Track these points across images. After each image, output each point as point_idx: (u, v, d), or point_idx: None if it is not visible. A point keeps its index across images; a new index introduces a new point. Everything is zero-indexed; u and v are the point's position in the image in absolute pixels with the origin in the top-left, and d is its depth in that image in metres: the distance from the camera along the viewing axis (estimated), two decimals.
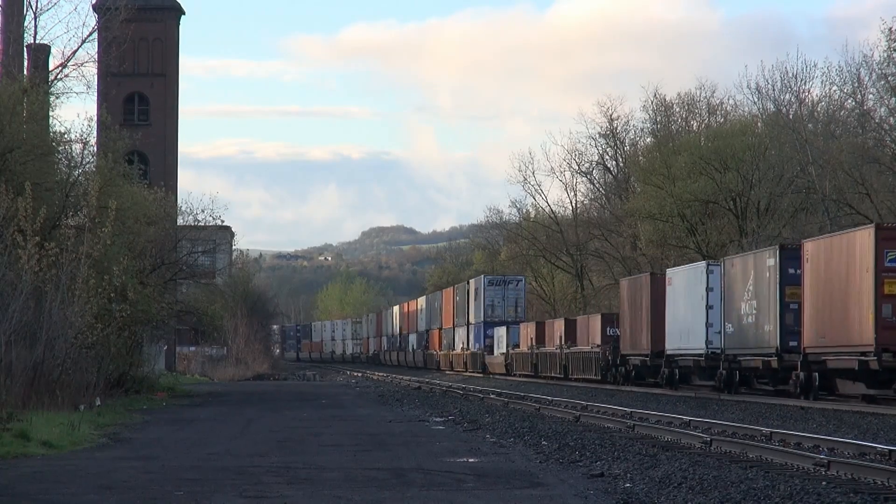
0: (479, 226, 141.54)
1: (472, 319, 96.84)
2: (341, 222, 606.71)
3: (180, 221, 69.84)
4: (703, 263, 54.36)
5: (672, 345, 55.54)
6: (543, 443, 27.19)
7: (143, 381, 56.08)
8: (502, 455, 24.80)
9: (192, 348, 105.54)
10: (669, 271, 58.08)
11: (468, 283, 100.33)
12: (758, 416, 36.94)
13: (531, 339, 79.36)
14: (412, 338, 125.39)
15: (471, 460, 23.75)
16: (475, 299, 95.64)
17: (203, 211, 68.43)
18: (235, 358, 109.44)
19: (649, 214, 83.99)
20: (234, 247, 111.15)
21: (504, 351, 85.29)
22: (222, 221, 72.97)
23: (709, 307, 51.59)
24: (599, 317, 69.27)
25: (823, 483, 19.10)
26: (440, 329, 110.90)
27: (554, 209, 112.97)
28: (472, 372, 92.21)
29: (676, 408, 42.37)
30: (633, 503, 17.71)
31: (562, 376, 70.57)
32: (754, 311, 46.84)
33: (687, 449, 25.24)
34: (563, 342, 72.12)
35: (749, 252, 53.16)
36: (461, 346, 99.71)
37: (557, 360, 71.94)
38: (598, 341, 66.78)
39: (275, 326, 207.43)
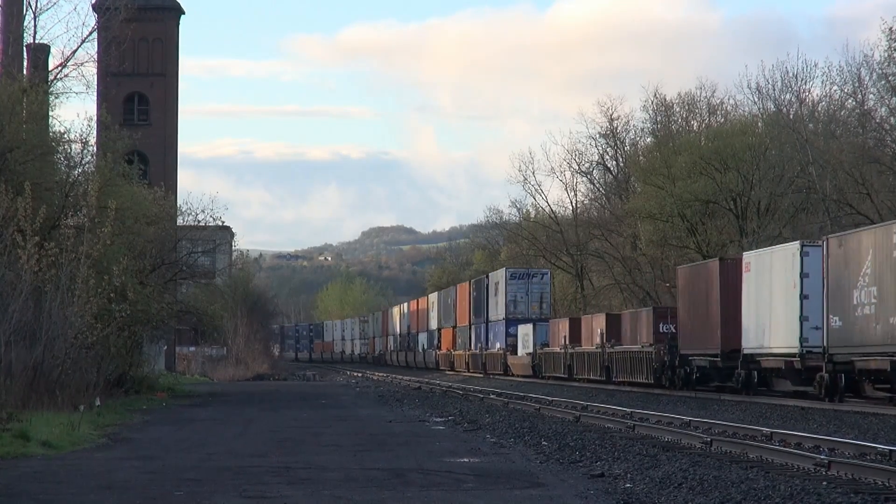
0: (479, 226, 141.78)
1: (491, 316, 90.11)
2: (341, 222, 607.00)
3: (180, 221, 69.78)
4: (795, 244, 45.55)
5: (751, 343, 47.32)
6: (543, 443, 27.18)
7: (143, 381, 56.08)
8: (502, 455, 24.79)
9: (192, 348, 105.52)
10: (748, 255, 49.08)
11: (487, 276, 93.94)
12: (758, 417, 36.94)
13: (564, 337, 71.71)
14: (422, 337, 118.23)
15: (471, 460, 23.74)
16: (495, 294, 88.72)
17: (203, 211, 68.39)
18: (235, 358, 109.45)
19: (649, 214, 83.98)
20: (234, 247, 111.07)
21: (531, 351, 78.19)
22: (222, 222, 72.94)
23: (803, 297, 43.31)
24: (651, 311, 60.43)
25: (824, 483, 19.09)
26: (454, 327, 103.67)
27: (554, 209, 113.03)
28: (493, 374, 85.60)
29: (676, 408, 42.37)
30: (633, 503, 17.71)
31: (602, 379, 63.41)
32: (874, 301, 37.95)
33: (687, 449, 25.24)
34: (604, 340, 64.27)
35: (866, 227, 44.82)
36: (479, 345, 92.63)
37: (598, 360, 64.65)
38: (650, 339, 58.20)
39: (284, 326, 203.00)
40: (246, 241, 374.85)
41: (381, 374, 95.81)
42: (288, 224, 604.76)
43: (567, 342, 70.53)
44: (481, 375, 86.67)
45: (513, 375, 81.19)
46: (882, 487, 18.64)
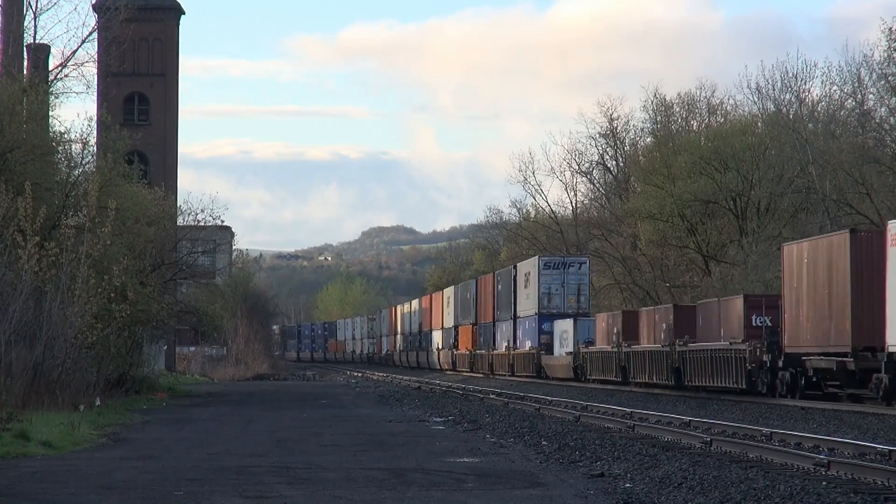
0: (479, 226, 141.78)
1: (520, 312, 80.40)
2: (341, 222, 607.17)
3: (180, 221, 69.82)
4: None
5: None
6: (543, 443, 27.18)
7: (143, 381, 56.10)
8: (502, 455, 24.79)
9: (192, 348, 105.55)
10: (894, 223, 37.54)
11: (515, 267, 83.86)
12: (758, 417, 36.93)
13: (615, 333, 61.87)
14: (436, 336, 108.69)
15: (471, 460, 23.74)
16: (525, 287, 78.92)
17: (203, 211, 68.43)
18: (235, 358, 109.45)
19: (649, 214, 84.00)
20: (234, 247, 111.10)
21: (571, 350, 68.64)
22: (222, 221, 72.95)
23: None
24: (740, 300, 49.46)
25: (823, 483, 19.09)
26: (475, 325, 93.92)
27: (554, 209, 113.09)
28: (524, 376, 76.16)
29: (676, 408, 42.36)
30: (633, 503, 17.71)
31: (670, 383, 53.80)
32: None
33: (687, 449, 25.24)
34: (672, 337, 54.47)
35: None
36: (506, 344, 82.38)
37: (664, 361, 54.66)
38: (739, 334, 48.04)
39: (302, 325, 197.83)
40: (246, 241, 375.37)
41: (381, 374, 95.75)
42: (288, 224, 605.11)
43: (620, 339, 60.66)
44: (509, 377, 78.57)
45: (549, 378, 72.18)
46: (882, 487, 18.64)
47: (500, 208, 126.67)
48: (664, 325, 56.67)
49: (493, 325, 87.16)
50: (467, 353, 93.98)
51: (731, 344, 47.83)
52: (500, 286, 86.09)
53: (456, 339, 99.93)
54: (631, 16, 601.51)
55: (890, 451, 22.99)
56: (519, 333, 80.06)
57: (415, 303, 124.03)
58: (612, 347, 61.65)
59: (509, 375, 79.15)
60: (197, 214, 68.50)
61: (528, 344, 77.14)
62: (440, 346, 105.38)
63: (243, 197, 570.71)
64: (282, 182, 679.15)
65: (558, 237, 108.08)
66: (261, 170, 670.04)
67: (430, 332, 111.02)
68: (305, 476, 20.99)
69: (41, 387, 35.45)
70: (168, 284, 63.90)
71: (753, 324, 47.97)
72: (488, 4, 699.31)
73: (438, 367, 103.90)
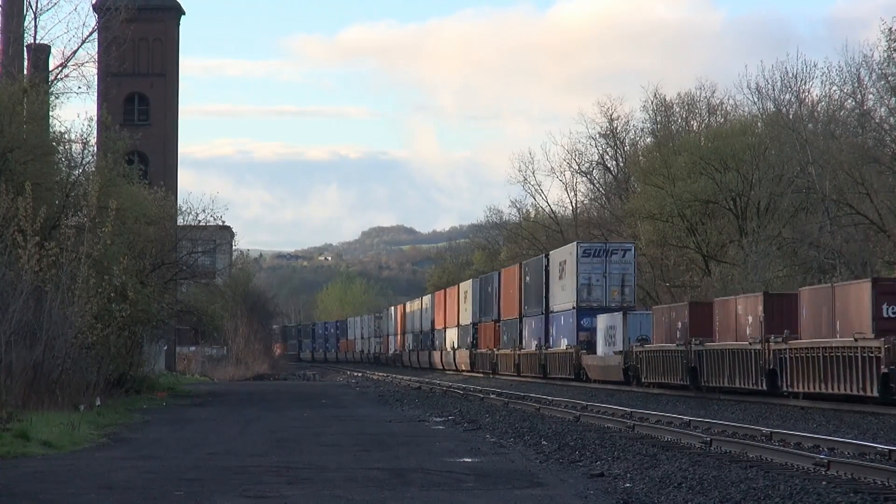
0: (479, 226, 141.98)
1: (554, 306, 72.03)
2: (341, 222, 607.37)
3: (180, 221, 69.86)
4: None
5: None
6: (543, 443, 27.19)
7: (143, 381, 56.11)
8: (502, 455, 24.80)
9: (192, 348, 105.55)
10: None
11: (546, 256, 75.48)
12: (758, 417, 36.92)
13: (680, 328, 52.95)
14: (451, 334, 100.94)
15: (471, 460, 23.75)
16: (560, 278, 70.60)
17: (203, 211, 68.49)
18: (235, 358, 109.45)
19: (649, 214, 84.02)
20: (234, 247, 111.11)
21: (620, 349, 59.27)
22: (222, 221, 72.98)
23: None
24: (867, 285, 39.18)
25: (823, 483, 19.10)
26: (497, 322, 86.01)
27: (554, 209, 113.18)
28: (560, 379, 67.61)
29: (676, 408, 42.35)
30: (633, 503, 17.71)
31: (761, 388, 44.49)
32: None
33: (687, 449, 25.24)
34: (764, 332, 44.75)
35: None
36: (535, 342, 74.12)
37: (754, 362, 44.76)
38: (867, 329, 38.19)
39: (316, 323, 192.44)
40: (246, 241, 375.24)
41: (381, 374, 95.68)
42: (288, 224, 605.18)
43: (689, 336, 51.21)
44: (541, 379, 71.01)
45: (591, 381, 63.48)
46: (882, 487, 18.65)
47: (500, 208, 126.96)
48: (750, 318, 46.83)
49: (520, 322, 79.30)
50: (488, 352, 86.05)
51: (856, 340, 38.09)
52: (528, 278, 77.98)
53: (475, 338, 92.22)
54: (631, 16, 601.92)
55: (890, 450, 23.00)
56: (552, 330, 71.93)
57: (426, 299, 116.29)
58: (678, 345, 51.85)
59: (540, 378, 71.50)
60: (197, 214, 68.62)
61: (563, 342, 68.91)
62: (456, 346, 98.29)
63: (243, 197, 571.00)
64: (282, 182, 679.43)
65: (558, 237, 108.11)
66: (260, 170, 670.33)
67: (444, 331, 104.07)
68: (305, 476, 21.00)
69: (41, 387, 35.46)
70: (168, 284, 63.91)
71: (885, 314, 38.35)
72: (488, 4, 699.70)
73: (454, 369, 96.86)
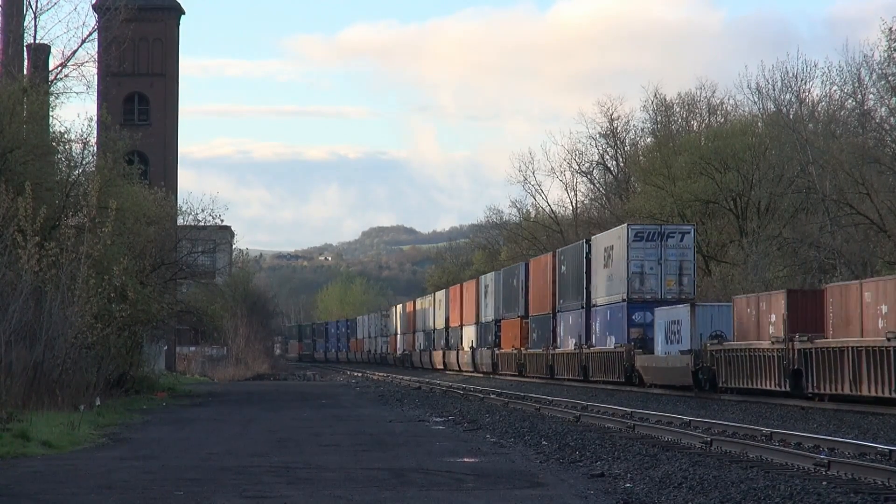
0: (479, 226, 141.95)
1: (599, 299, 63.26)
2: (341, 222, 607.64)
3: (180, 221, 69.84)
4: None
5: None
6: (544, 443, 27.18)
7: (143, 381, 56.10)
8: (502, 455, 24.79)
9: (192, 348, 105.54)
10: None
11: (587, 242, 66.33)
12: (758, 417, 36.91)
13: (774, 322, 43.70)
14: (469, 332, 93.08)
15: (471, 460, 23.74)
16: (605, 266, 62.14)
17: (203, 211, 68.47)
18: (235, 358, 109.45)
19: (649, 214, 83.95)
20: (234, 247, 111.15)
21: (688, 347, 50.45)
22: (222, 221, 72.96)
23: None
24: None
25: (824, 483, 19.09)
26: (524, 318, 77.79)
27: (554, 209, 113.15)
28: (606, 382, 59.64)
29: (676, 408, 42.32)
30: (633, 503, 17.71)
31: None
32: None
33: (687, 449, 25.23)
34: None
35: None
36: (574, 341, 65.85)
37: (886, 363, 35.65)
38: None
39: (328, 322, 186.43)
40: (246, 241, 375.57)
41: (381, 374, 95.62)
42: (288, 224, 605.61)
43: (786, 331, 42.43)
44: (581, 383, 63.00)
45: (647, 386, 55.03)
46: (882, 487, 18.64)
47: (501, 208, 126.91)
48: (884, 308, 36.67)
49: (553, 318, 70.87)
50: (514, 352, 77.84)
51: None
52: (563, 268, 69.53)
53: (497, 336, 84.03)
54: (631, 16, 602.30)
55: (890, 451, 22.98)
56: (595, 326, 63.43)
57: (439, 295, 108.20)
58: (774, 343, 42.80)
59: (580, 380, 63.56)
60: (197, 214, 68.58)
61: (610, 340, 60.39)
62: (475, 345, 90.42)
63: (243, 197, 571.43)
64: (281, 182, 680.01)
65: (558, 237, 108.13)
66: (260, 170, 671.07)
67: (461, 329, 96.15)
68: (305, 476, 20.99)
69: (41, 387, 35.46)
70: (168, 284, 63.90)
71: None
72: (488, 4, 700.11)
73: (473, 370, 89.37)
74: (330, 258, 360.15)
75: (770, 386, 43.30)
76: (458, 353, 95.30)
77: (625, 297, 58.62)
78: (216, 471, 21.90)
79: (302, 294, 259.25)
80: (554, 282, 71.24)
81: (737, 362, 46.04)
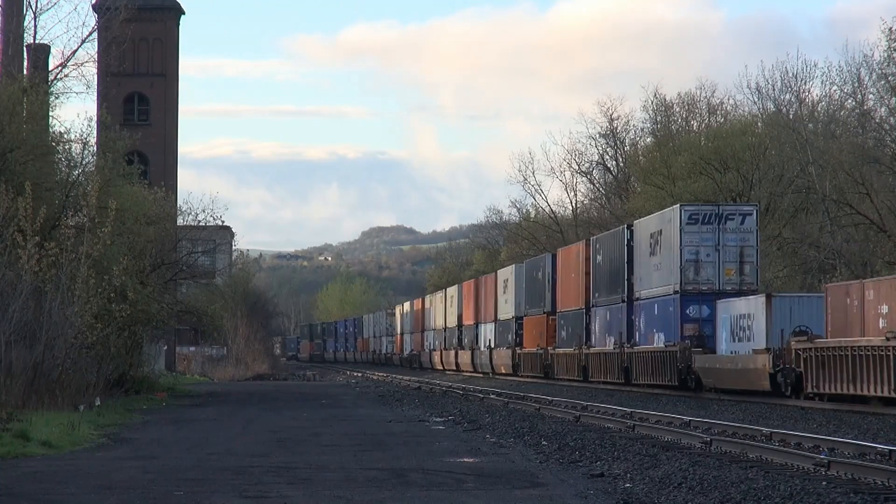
0: (479, 226, 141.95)
1: (644, 291, 55.80)
2: (341, 222, 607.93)
3: (180, 221, 69.84)
4: None
5: None
6: (543, 443, 27.18)
7: (143, 381, 56.09)
8: (502, 455, 24.79)
9: (192, 348, 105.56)
10: None
11: (628, 228, 59.02)
12: (758, 417, 36.90)
13: (887, 313, 36.92)
14: (485, 331, 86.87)
15: (471, 460, 23.74)
16: (653, 254, 54.69)
17: (203, 211, 68.48)
18: (235, 358, 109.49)
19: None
20: (234, 247, 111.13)
21: (763, 346, 44.06)
22: (222, 221, 72.96)
23: None
24: None
25: (823, 483, 19.09)
26: (551, 314, 71.25)
27: (554, 209, 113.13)
28: (655, 386, 53.52)
29: (676, 408, 42.31)
30: (633, 503, 17.71)
31: None
32: None
33: (687, 449, 25.23)
34: None
35: None
36: (613, 339, 59.16)
37: None
38: None
39: (338, 322, 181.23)
40: (246, 241, 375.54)
41: (381, 374, 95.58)
42: (288, 224, 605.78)
43: None
44: (624, 386, 57.15)
45: (710, 390, 48.27)
46: (882, 487, 18.64)
47: (501, 208, 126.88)
48: None
49: (586, 314, 64.18)
50: (539, 352, 71.87)
51: None
52: (599, 257, 62.56)
53: (518, 335, 78.01)
54: (631, 16, 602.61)
55: (890, 451, 22.98)
56: (639, 322, 56.55)
57: (451, 290, 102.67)
58: (890, 339, 35.62)
59: (619, 384, 57.81)
60: (197, 214, 68.60)
61: (658, 338, 53.63)
62: (492, 344, 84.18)
63: (243, 197, 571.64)
64: (281, 182, 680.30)
65: (558, 237, 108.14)
66: (259, 170, 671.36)
67: (476, 327, 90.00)
68: (305, 476, 20.99)
69: (41, 387, 35.45)
70: (168, 284, 63.90)
71: None
72: (488, 4, 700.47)
73: (490, 371, 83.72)
74: (330, 258, 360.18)
75: (880, 392, 35.98)
76: (472, 353, 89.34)
77: (677, 288, 51.56)
78: (216, 471, 21.90)
79: (302, 294, 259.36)
80: (587, 273, 64.37)
81: (833, 364, 38.73)
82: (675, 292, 51.67)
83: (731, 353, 47.03)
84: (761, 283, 53.29)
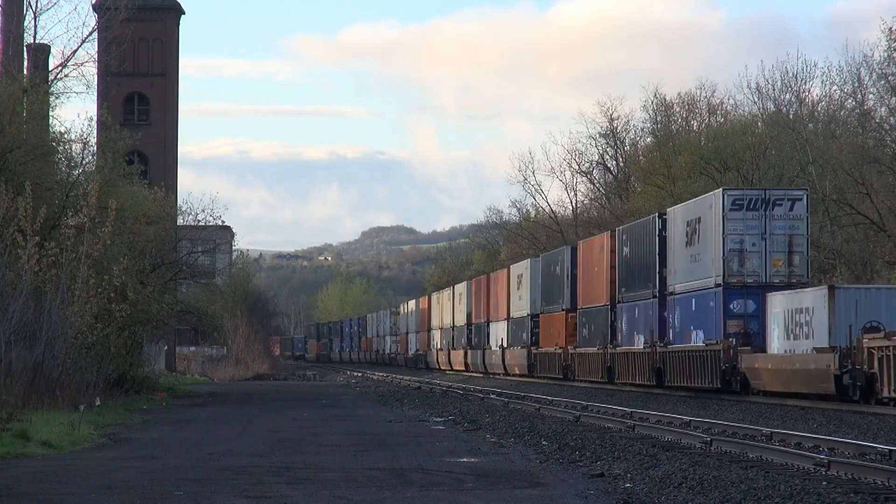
0: (479, 226, 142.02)
1: (677, 285, 51.78)
2: (341, 222, 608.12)
3: (180, 221, 69.84)
4: None
5: None
6: (543, 443, 27.17)
7: (143, 381, 56.06)
8: (502, 455, 24.79)
9: (192, 348, 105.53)
10: None
11: (660, 216, 54.80)
12: (758, 417, 36.90)
13: None
14: (498, 329, 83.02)
15: (471, 460, 23.74)
16: (691, 244, 50.40)
17: (203, 211, 68.49)
18: (235, 358, 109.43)
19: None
20: (234, 247, 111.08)
21: (825, 344, 39.75)
22: (222, 221, 72.96)
23: None
24: None
25: (824, 483, 19.09)
26: (570, 311, 67.16)
27: (554, 209, 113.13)
28: (688, 388, 49.66)
29: (676, 408, 42.30)
30: (633, 503, 17.70)
31: None
32: None
33: (687, 449, 25.23)
34: None
35: None
36: (643, 337, 54.79)
37: None
38: None
39: (343, 322, 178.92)
40: (246, 240, 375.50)
41: (381, 374, 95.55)
42: (288, 224, 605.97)
43: None
44: (656, 389, 53.20)
45: (756, 394, 44.48)
46: (882, 487, 18.64)
47: (500, 208, 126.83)
48: None
49: (611, 310, 59.99)
50: (557, 351, 68.00)
51: None
52: (625, 249, 58.48)
53: (534, 334, 74.07)
54: (632, 16, 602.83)
55: (890, 450, 22.99)
56: (673, 319, 52.30)
57: (459, 288, 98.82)
58: None
59: (650, 385, 53.96)
60: (197, 214, 68.60)
61: (696, 336, 49.37)
62: (505, 344, 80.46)
63: (243, 197, 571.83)
64: (281, 182, 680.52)
65: (558, 237, 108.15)
66: (259, 170, 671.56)
67: (488, 325, 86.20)
68: (305, 476, 20.99)
69: (41, 387, 35.46)
70: (168, 284, 63.88)
71: None
72: (488, 4, 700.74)
73: (504, 372, 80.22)
74: (330, 258, 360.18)
75: None
76: (483, 352, 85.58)
77: (719, 281, 47.26)
78: (216, 471, 21.90)
79: (302, 294, 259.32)
80: (612, 267, 59.90)
81: None
82: (717, 285, 47.41)
83: (786, 351, 42.38)
84: (812, 276, 49.80)
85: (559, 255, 70.69)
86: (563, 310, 68.26)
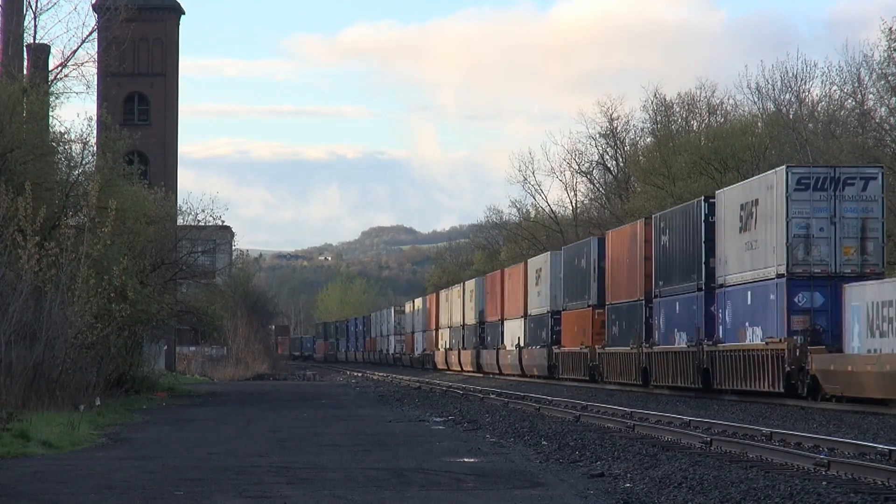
0: (479, 226, 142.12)
1: (728, 276, 46.14)
2: (341, 222, 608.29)
3: (180, 221, 69.81)
4: None
5: None
6: (543, 443, 27.17)
7: (143, 381, 56.05)
8: (502, 455, 24.79)
9: (192, 348, 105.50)
10: None
11: (706, 200, 49.14)
12: (758, 416, 36.90)
13: None
14: (512, 328, 78.57)
15: (471, 460, 23.74)
16: (746, 229, 44.60)
17: (203, 211, 68.45)
18: (235, 358, 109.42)
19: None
20: (234, 247, 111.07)
21: None
22: (222, 221, 72.93)
23: None
24: None
25: (823, 483, 19.09)
26: (597, 307, 62.06)
27: (554, 209, 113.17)
28: (742, 392, 44.86)
29: (676, 408, 42.30)
30: (633, 503, 17.71)
31: None
32: None
33: (687, 449, 25.23)
34: None
35: None
36: (685, 335, 49.70)
37: None
38: None
39: (347, 321, 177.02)
40: (246, 240, 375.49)
41: (381, 374, 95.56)
42: (288, 224, 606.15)
43: None
44: (702, 393, 48.24)
45: (829, 399, 38.87)
46: (882, 487, 18.64)
47: (500, 208, 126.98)
48: None
49: (646, 306, 54.71)
50: (583, 350, 63.01)
51: None
52: (664, 238, 53.08)
53: (555, 332, 69.37)
54: (632, 16, 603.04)
55: (890, 450, 22.99)
56: (723, 315, 46.67)
57: (470, 284, 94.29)
58: None
59: (695, 389, 48.74)
60: (197, 214, 68.57)
61: (752, 333, 43.84)
62: (522, 343, 75.76)
63: (243, 197, 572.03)
64: (281, 182, 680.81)
65: (558, 237, 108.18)
66: (259, 170, 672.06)
67: (502, 324, 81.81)
68: (305, 476, 20.99)
69: (41, 387, 35.45)
70: (168, 284, 63.87)
71: None
72: (488, 4, 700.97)
73: (520, 373, 76.07)
74: (330, 258, 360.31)
75: None
76: (497, 352, 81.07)
77: (781, 271, 41.63)
78: (216, 471, 21.90)
79: (302, 294, 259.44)
80: (648, 258, 54.56)
81: None
82: (779, 276, 41.74)
83: (870, 351, 36.84)
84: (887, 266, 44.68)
85: (584, 247, 65.70)
86: (589, 306, 63.38)
